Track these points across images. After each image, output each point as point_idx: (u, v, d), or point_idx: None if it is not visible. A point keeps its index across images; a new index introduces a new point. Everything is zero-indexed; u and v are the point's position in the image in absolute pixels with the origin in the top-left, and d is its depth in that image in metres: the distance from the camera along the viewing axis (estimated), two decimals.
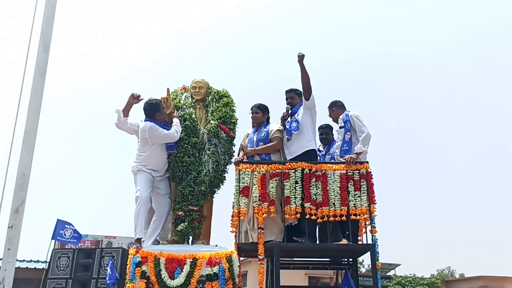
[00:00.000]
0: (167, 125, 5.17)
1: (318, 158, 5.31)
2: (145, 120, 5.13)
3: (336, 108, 5.45)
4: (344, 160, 4.88)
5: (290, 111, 5.24)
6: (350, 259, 5.31)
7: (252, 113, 5.33)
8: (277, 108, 5.52)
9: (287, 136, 5.11)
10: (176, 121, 5.17)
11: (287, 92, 5.36)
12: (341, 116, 5.34)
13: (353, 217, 4.65)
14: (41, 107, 3.90)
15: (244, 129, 5.65)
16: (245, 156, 5.12)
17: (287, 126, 5.14)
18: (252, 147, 5.12)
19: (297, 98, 5.30)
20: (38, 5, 4.12)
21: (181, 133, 5.15)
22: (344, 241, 4.73)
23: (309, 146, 5.05)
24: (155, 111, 5.10)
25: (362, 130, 5.10)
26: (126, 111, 5.11)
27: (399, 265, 25.06)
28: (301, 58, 5.01)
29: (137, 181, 4.99)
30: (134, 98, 5.11)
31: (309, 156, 4.99)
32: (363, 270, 23.80)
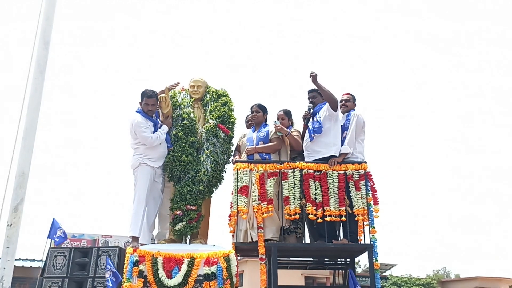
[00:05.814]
0: (157, 116, 5.20)
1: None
2: (136, 111, 5.10)
3: (353, 102, 5.25)
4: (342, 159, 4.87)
5: (311, 110, 5.10)
6: (348, 259, 5.33)
7: (252, 112, 5.32)
8: (275, 109, 5.50)
9: (313, 135, 4.91)
10: (164, 128, 5.12)
11: (310, 91, 5.21)
12: (345, 114, 5.17)
13: (358, 217, 4.66)
14: (40, 105, 3.89)
15: (242, 129, 5.67)
16: (245, 154, 5.11)
17: (310, 126, 5.00)
18: (252, 145, 5.12)
19: (319, 97, 5.13)
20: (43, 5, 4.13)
21: (180, 132, 5.15)
22: (344, 240, 4.74)
23: (331, 151, 4.88)
24: (141, 98, 5.07)
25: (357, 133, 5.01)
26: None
27: (395, 265, 25.15)
28: (314, 78, 4.86)
29: (137, 176, 4.96)
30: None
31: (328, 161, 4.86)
32: (359, 270, 23.82)
